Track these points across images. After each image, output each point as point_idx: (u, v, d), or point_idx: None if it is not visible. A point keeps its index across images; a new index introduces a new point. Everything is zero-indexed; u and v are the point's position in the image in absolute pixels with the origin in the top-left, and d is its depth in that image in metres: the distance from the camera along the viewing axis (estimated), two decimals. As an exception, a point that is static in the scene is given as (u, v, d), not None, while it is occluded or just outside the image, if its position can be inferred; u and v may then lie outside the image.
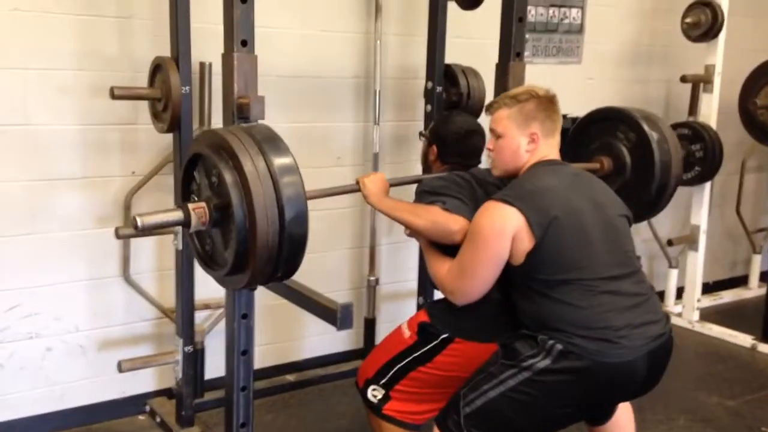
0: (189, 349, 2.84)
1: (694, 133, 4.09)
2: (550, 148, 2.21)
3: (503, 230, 2.02)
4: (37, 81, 2.73)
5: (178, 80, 2.58)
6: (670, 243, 4.31)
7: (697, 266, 4.36)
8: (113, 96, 2.56)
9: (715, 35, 4.00)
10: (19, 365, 2.86)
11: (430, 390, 2.33)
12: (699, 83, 4.14)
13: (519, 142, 2.19)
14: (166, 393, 3.16)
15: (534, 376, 1.96)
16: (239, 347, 2.39)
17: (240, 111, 2.11)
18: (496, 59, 2.86)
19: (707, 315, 4.49)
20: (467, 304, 2.18)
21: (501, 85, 2.85)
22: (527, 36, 3.25)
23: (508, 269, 2.07)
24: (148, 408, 3.12)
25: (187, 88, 2.63)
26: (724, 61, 4.13)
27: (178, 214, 1.88)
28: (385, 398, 2.35)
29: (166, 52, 2.68)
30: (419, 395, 2.34)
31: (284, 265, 1.86)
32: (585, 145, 2.82)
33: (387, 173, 3.62)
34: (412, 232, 2.34)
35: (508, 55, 2.82)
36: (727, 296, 4.92)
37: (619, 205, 2.20)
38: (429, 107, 3.27)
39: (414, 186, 2.50)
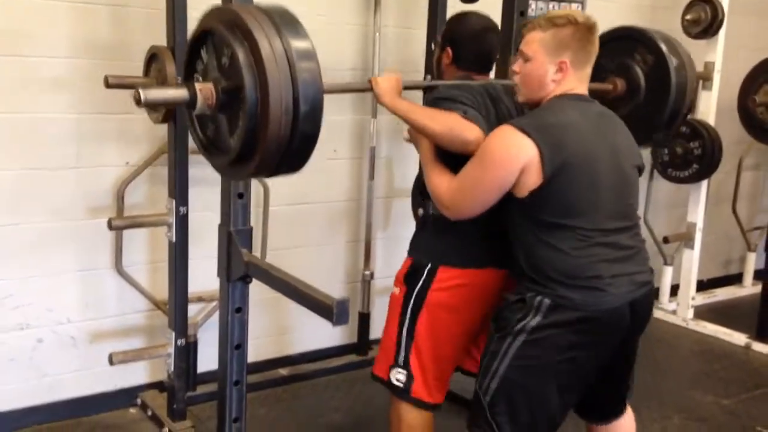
0: (181, 342, 2.81)
1: (692, 131, 4.07)
2: (578, 81, 2.09)
3: (514, 158, 1.94)
4: (31, 69, 2.68)
5: (174, 70, 2.54)
6: (665, 240, 4.30)
7: (692, 264, 4.35)
8: (107, 85, 2.52)
9: (715, 32, 3.99)
10: (9, 356, 2.82)
11: (439, 344, 2.27)
12: (698, 80, 4.11)
13: (546, 69, 2.06)
14: (157, 386, 3.13)
15: (528, 336, 1.97)
16: (233, 341, 2.37)
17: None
18: (495, 53, 2.83)
19: (701, 313, 4.49)
20: (449, 228, 2.19)
21: (501, 79, 2.82)
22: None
23: (508, 200, 2.02)
24: (139, 401, 3.09)
25: (180, 78, 2.59)
26: (723, 58, 4.12)
27: (182, 93, 1.74)
28: (409, 378, 2.28)
29: (161, 41, 2.64)
30: (433, 358, 2.27)
31: (293, 158, 1.74)
32: (598, 65, 2.73)
33: (383, 167, 3.66)
34: (416, 137, 2.24)
35: (509, 50, 2.79)
36: (722, 294, 4.92)
37: (635, 154, 2.14)
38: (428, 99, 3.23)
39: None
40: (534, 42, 2.08)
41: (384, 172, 3.59)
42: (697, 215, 4.28)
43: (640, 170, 2.17)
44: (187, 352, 2.90)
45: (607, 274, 1.96)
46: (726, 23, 4.01)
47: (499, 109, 2.29)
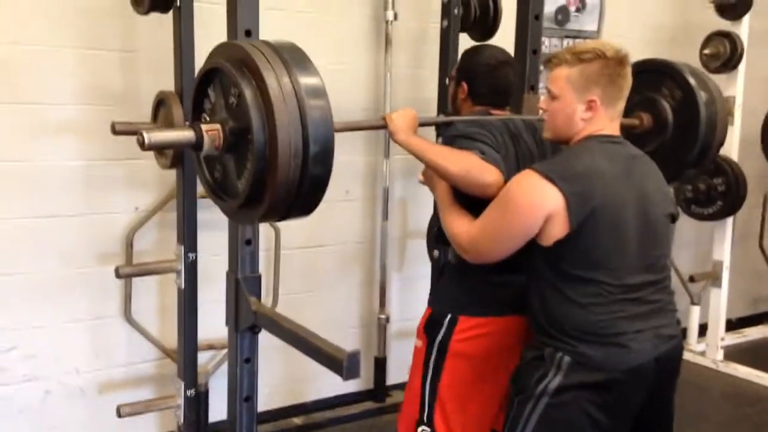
0: (191, 392, 2.73)
1: (715, 167, 3.97)
2: (609, 120, 1.97)
3: (538, 207, 1.84)
4: (38, 115, 2.67)
5: (181, 114, 2.50)
6: (692, 279, 4.18)
7: (720, 303, 4.22)
8: (115, 132, 2.49)
9: (735, 66, 3.91)
10: (17, 409, 2.76)
11: (462, 397, 2.18)
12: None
13: (575, 107, 1.93)
14: (168, 436, 3.05)
15: (551, 399, 1.86)
16: (242, 393, 2.30)
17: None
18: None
19: (731, 354, 4.33)
20: (468, 277, 2.14)
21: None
22: (541, 68, 3.16)
23: (531, 246, 1.91)
24: (149, 453, 3.01)
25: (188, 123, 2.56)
26: (744, 91, 4.03)
27: (189, 135, 1.67)
28: None
29: (168, 86, 2.62)
30: (457, 412, 2.18)
31: (303, 201, 1.67)
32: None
33: (397, 208, 3.60)
34: (432, 178, 2.15)
35: (522, 88, 2.74)
36: (752, 334, 4.76)
37: (667, 202, 2.02)
38: (440, 140, 3.17)
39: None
40: (561, 79, 1.95)
41: (398, 212, 3.53)
42: (724, 253, 4.16)
43: (673, 218, 2.04)
44: (198, 403, 2.82)
45: (627, 330, 1.85)
46: (745, 56, 3.94)
47: (518, 146, 2.20)
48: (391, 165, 3.36)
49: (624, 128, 2.51)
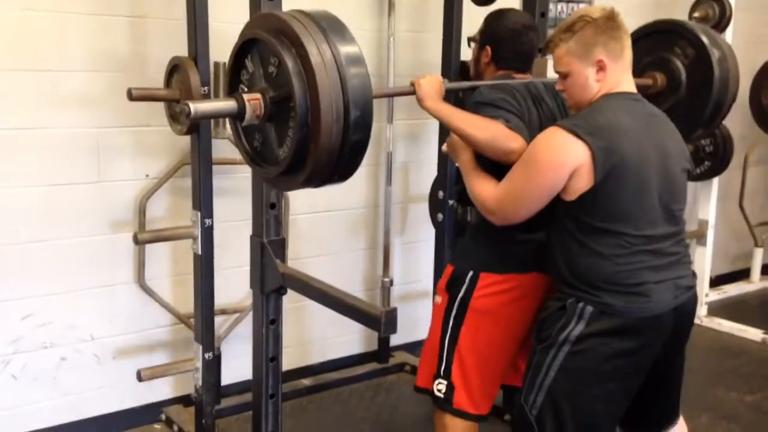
0: (209, 355, 2.77)
1: (703, 128, 4.07)
2: (621, 72, 2.03)
3: (564, 163, 1.89)
4: (48, 83, 2.64)
5: (198, 80, 2.51)
6: (678, 238, 4.29)
7: (705, 261, 4.35)
8: (131, 98, 2.48)
9: (723, 29, 3.99)
10: (32, 376, 2.77)
11: (484, 355, 2.24)
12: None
13: (587, 74, 2.00)
14: (181, 400, 3.09)
15: (573, 347, 1.94)
16: (267, 354, 2.34)
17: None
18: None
19: (713, 309, 4.50)
20: (492, 235, 2.17)
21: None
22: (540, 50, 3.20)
23: (554, 202, 1.98)
24: (163, 416, 3.04)
25: (206, 88, 2.56)
26: (731, 55, 4.12)
27: (231, 105, 1.69)
28: (450, 389, 2.25)
29: (178, 52, 2.60)
30: (477, 369, 2.25)
31: (344, 166, 1.70)
32: (636, 60, 2.67)
33: (400, 173, 3.64)
34: (456, 148, 2.19)
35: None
36: (731, 290, 4.93)
37: (684, 157, 2.08)
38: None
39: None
40: (563, 56, 2.03)
41: (401, 177, 3.57)
42: (709, 212, 4.29)
43: (689, 173, 2.11)
44: (216, 365, 2.86)
45: (649, 280, 1.93)
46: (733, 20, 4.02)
47: (542, 110, 2.25)
48: (394, 130, 3.39)
49: (638, 88, 2.58)
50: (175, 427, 2.96)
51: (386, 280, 3.53)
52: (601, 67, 2.00)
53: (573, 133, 1.90)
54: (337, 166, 1.69)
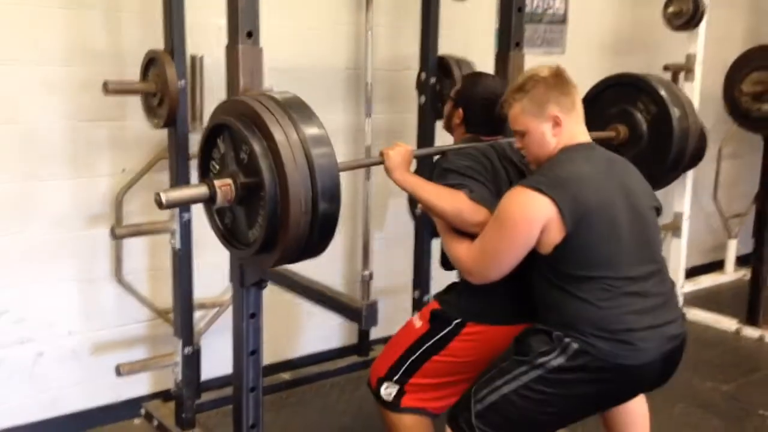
0: (188, 350, 2.76)
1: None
2: (575, 124, 2.11)
3: (533, 219, 1.94)
4: (22, 76, 2.62)
5: (174, 74, 2.50)
6: (653, 231, 4.34)
7: (680, 253, 4.40)
8: (107, 91, 2.47)
9: (697, 24, 4.03)
10: (9, 372, 2.75)
11: (446, 378, 2.29)
12: (680, 72, 4.17)
13: (543, 129, 2.08)
14: (161, 395, 3.08)
15: (547, 374, 1.94)
16: (248, 347, 2.33)
17: (245, 105, 2.04)
18: (486, 49, 2.83)
19: (688, 300, 4.55)
20: (480, 287, 2.15)
21: (501, 75, 2.82)
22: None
23: (533, 257, 2.01)
24: (143, 411, 3.03)
25: (183, 81, 2.55)
26: (704, 49, 4.17)
27: (202, 191, 1.78)
28: (400, 393, 2.30)
29: (153, 45, 2.59)
30: (435, 385, 2.29)
31: (315, 245, 1.78)
32: (600, 110, 2.72)
33: (380, 167, 3.61)
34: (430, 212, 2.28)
35: (508, 46, 2.79)
36: (706, 281, 4.99)
37: (650, 196, 2.13)
38: (423, 98, 3.23)
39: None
40: (519, 116, 2.12)
41: (380, 171, 3.56)
42: (684, 205, 4.34)
43: (658, 211, 2.15)
44: (195, 361, 2.85)
45: (637, 327, 1.92)
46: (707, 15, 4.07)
47: (509, 167, 2.31)
48: (372, 123, 3.39)
49: (602, 141, 2.66)
50: (155, 422, 2.95)
51: (366, 273, 3.52)
52: (556, 122, 2.08)
53: (536, 189, 1.95)
54: (308, 245, 1.78)
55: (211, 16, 2.82)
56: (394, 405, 2.30)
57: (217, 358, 3.09)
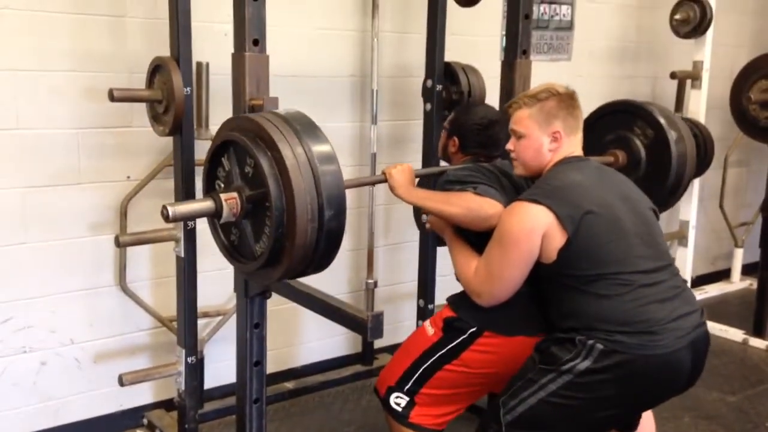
0: (192, 359, 2.74)
1: (684, 130, 4.09)
2: (573, 146, 2.17)
3: (533, 230, 1.97)
4: (27, 83, 2.60)
5: (180, 81, 2.47)
6: (659, 239, 4.32)
7: (687, 261, 4.38)
8: (113, 98, 2.44)
9: (704, 31, 4.02)
10: (12, 381, 2.72)
11: (457, 390, 2.26)
12: (686, 79, 4.15)
13: (541, 141, 2.14)
14: (163, 405, 3.05)
15: (575, 378, 1.92)
16: (252, 358, 2.32)
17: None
18: (492, 56, 2.82)
19: (695, 310, 4.52)
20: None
21: (507, 83, 2.82)
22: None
23: (539, 268, 2.01)
24: (146, 421, 3.00)
25: (189, 89, 2.53)
26: (711, 56, 4.15)
27: (208, 205, 1.78)
28: (410, 405, 2.26)
29: (159, 52, 2.57)
30: (445, 397, 2.26)
31: (320, 259, 1.78)
32: (599, 136, 2.76)
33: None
34: (438, 225, 2.29)
35: (515, 53, 2.79)
36: (712, 290, 4.97)
37: (646, 199, 2.16)
38: (429, 106, 3.20)
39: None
40: (524, 119, 2.15)
41: (385, 179, 3.55)
42: (690, 213, 4.31)
43: (656, 213, 2.17)
44: (199, 370, 2.82)
45: (659, 317, 1.91)
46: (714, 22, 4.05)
47: (512, 181, 2.32)
48: (378, 131, 3.37)
49: None
50: (158, 432, 2.93)
51: (370, 282, 3.51)
52: (555, 138, 2.12)
53: (533, 201, 1.99)
54: (312, 260, 1.78)
55: (217, 23, 2.82)
56: (403, 417, 2.27)
57: (221, 367, 3.08)
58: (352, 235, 3.53)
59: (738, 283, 5.05)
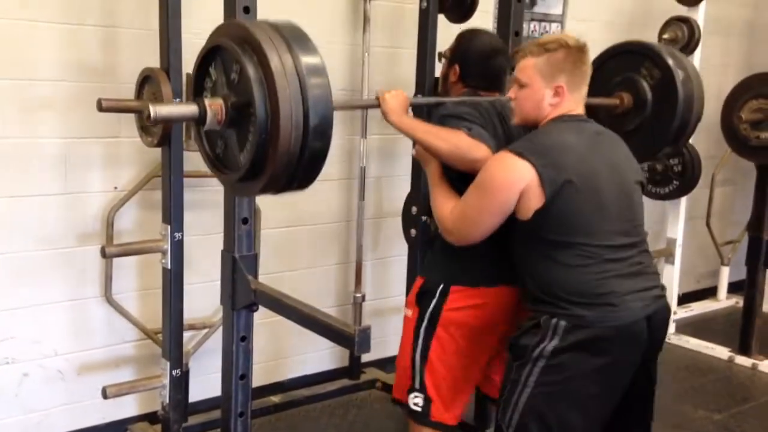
0: (177, 372, 2.71)
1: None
2: (575, 103, 2.10)
3: (513, 183, 1.95)
4: (15, 92, 2.59)
5: (170, 92, 2.46)
6: (646, 256, 4.33)
7: (673, 279, 4.40)
8: (101, 108, 2.42)
9: (692, 51, 4.05)
10: (-7, 392, 2.70)
11: (454, 369, 2.25)
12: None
13: (543, 93, 2.07)
14: (147, 417, 3.02)
15: (548, 362, 1.95)
16: (237, 371, 2.31)
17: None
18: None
19: (681, 327, 4.54)
20: (460, 249, 2.15)
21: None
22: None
23: (513, 223, 2.01)
24: (129, 434, 2.98)
25: (178, 100, 2.52)
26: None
27: (192, 109, 1.71)
28: (427, 402, 2.26)
29: (148, 63, 2.56)
30: (449, 381, 2.25)
31: (302, 174, 1.70)
32: (605, 80, 2.68)
33: (373, 188, 3.62)
34: (423, 156, 2.23)
35: (507, 34, 2.78)
36: (698, 308, 4.98)
37: (636, 170, 2.15)
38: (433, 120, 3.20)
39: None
40: (528, 68, 2.10)
41: (374, 192, 3.55)
42: (677, 231, 4.34)
43: (642, 186, 2.17)
44: (184, 383, 2.80)
45: (619, 290, 1.95)
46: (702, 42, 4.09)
47: (506, 127, 2.28)
48: (367, 145, 3.37)
49: (606, 108, 2.61)
50: (141, 445, 2.90)
51: (358, 295, 3.50)
52: (558, 93, 2.07)
53: (519, 154, 1.97)
54: (296, 172, 1.69)
55: (207, 35, 2.81)
56: (424, 415, 2.26)
57: (206, 380, 3.05)
58: (340, 249, 3.52)
59: (724, 300, 5.07)
